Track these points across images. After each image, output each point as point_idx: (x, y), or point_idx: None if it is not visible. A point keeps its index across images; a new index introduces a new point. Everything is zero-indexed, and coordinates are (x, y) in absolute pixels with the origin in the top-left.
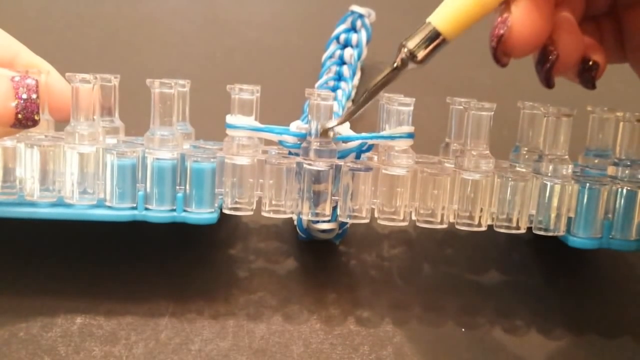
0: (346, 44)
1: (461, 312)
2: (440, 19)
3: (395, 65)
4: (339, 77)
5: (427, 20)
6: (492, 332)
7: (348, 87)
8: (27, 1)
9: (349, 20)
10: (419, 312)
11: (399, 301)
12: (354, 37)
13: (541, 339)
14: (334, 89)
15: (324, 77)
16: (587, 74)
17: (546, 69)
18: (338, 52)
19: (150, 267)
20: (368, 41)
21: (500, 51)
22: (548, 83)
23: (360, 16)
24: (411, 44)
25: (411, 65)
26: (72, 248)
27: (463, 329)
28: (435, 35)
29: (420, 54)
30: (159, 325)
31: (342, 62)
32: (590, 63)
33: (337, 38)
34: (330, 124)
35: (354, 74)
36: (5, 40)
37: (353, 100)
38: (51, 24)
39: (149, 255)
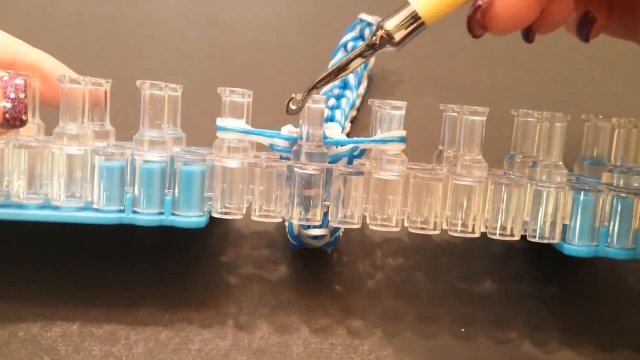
0: None
1: (456, 321)
2: (422, 1)
3: (371, 43)
4: (345, 85)
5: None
6: (487, 341)
7: (353, 95)
8: (27, 1)
9: (358, 28)
10: (412, 322)
11: (392, 310)
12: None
13: (536, 349)
14: (339, 98)
15: (330, 85)
16: (584, 27)
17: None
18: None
19: (146, 272)
20: None
21: (476, 22)
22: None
23: (369, 25)
24: (389, 25)
25: (388, 47)
26: (71, 251)
27: (463, 329)
28: (414, 18)
29: (398, 37)
30: (159, 325)
31: None
32: (590, 16)
33: (345, 46)
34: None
35: (360, 82)
36: (3, 41)
37: (358, 109)
38: (51, 24)
39: (145, 261)
